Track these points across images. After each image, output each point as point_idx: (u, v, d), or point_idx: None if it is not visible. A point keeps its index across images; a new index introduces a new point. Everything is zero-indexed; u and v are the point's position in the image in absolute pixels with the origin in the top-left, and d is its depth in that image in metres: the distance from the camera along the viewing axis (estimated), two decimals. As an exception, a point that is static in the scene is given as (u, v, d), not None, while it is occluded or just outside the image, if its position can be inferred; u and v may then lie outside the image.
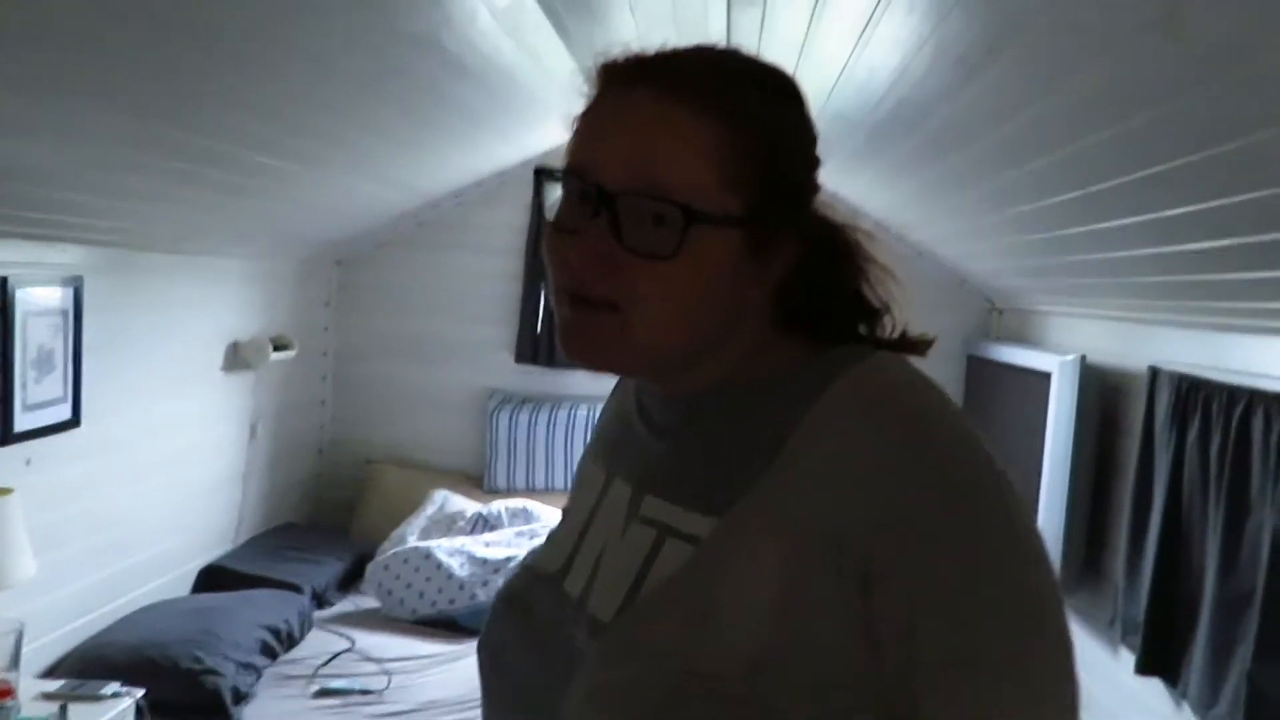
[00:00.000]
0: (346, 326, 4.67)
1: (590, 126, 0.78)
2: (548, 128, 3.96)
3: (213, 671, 2.76)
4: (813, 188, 0.84)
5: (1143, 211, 2.00)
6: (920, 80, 2.09)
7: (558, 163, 4.79)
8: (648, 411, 0.87)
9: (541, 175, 4.38)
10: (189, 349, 3.49)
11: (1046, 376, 3.16)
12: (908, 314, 0.88)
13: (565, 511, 0.94)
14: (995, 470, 0.73)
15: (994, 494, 0.72)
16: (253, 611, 3.16)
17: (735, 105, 0.75)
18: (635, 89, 0.76)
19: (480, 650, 0.87)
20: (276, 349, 3.88)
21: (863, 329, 0.87)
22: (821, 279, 0.84)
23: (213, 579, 3.56)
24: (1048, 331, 3.73)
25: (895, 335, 0.86)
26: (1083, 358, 2.98)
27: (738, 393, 0.80)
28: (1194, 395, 2.43)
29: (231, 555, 3.74)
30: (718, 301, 0.77)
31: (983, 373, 4.02)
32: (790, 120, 0.81)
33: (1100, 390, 3.03)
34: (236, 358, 3.77)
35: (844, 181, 3.94)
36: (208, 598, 3.33)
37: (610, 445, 0.92)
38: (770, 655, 0.69)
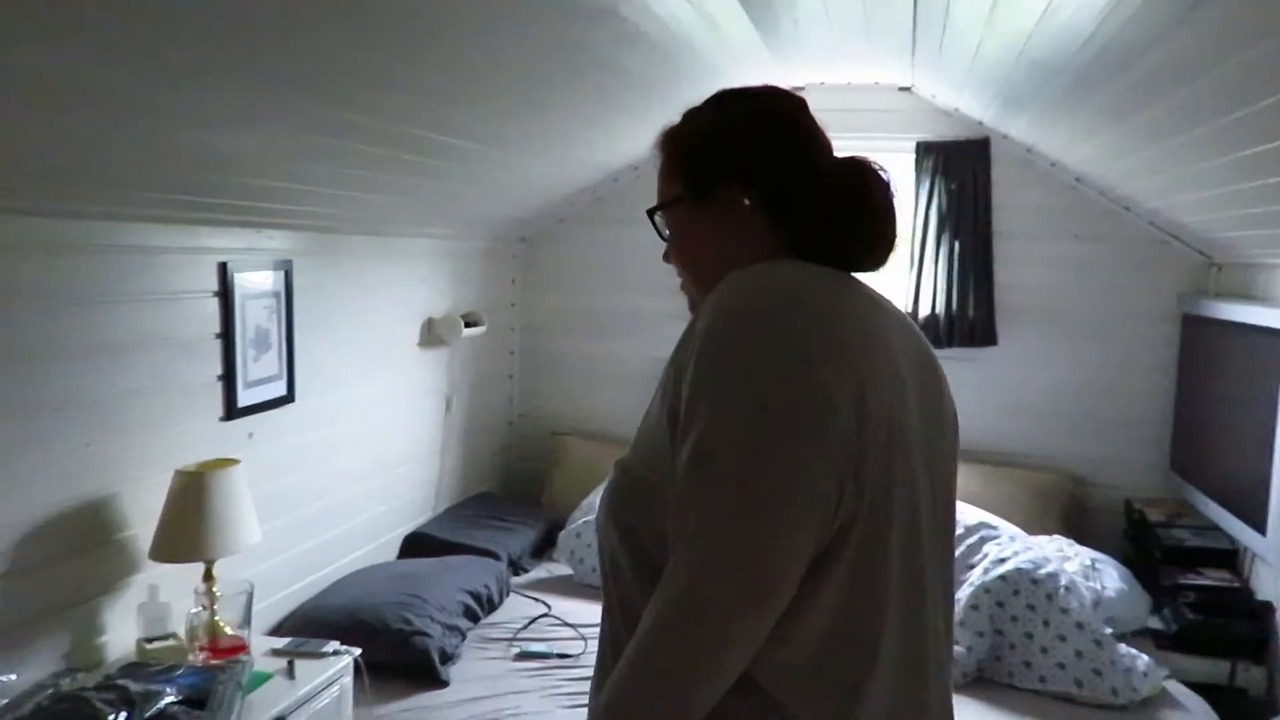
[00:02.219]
0: (531, 302, 4.78)
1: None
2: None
3: (421, 633, 2.90)
4: (732, 159, 1.18)
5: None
6: (1133, 16, 1.93)
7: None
8: None
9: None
10: (388, 327, 3.66)
11: (1277, 334, 2.89)
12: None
13: None
14: (750, 319, 1.02)
15: (733, 332, 1.01)
16: (455, 576, 3.30)
17: (670, 136, 1.24)
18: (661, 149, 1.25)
19: None
20: (467, 325, 4.01)
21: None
22: (778, 216, 1.18)
23: (415, 545, 3.74)
24: (1275, 285, 3.41)
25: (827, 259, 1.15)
26: (1322, 313, 2.71)
27: None
28: None
29: (432, 523, 3.92)
30: (712, 252, 1.19)
31: (1202, 333, 3.72)
32: (696, 124, 1.23)
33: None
34: (431, 334, 3.93)
35: (1041, 135, 3.72)
36: (412, 563, 3.50)
37: None
38: (648, 451, 1.07)
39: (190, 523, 2.35)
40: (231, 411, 2.76)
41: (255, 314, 2.85)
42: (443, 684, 2.85)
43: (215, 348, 2.72)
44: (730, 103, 1.22)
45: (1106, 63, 2.31)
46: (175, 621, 2.45)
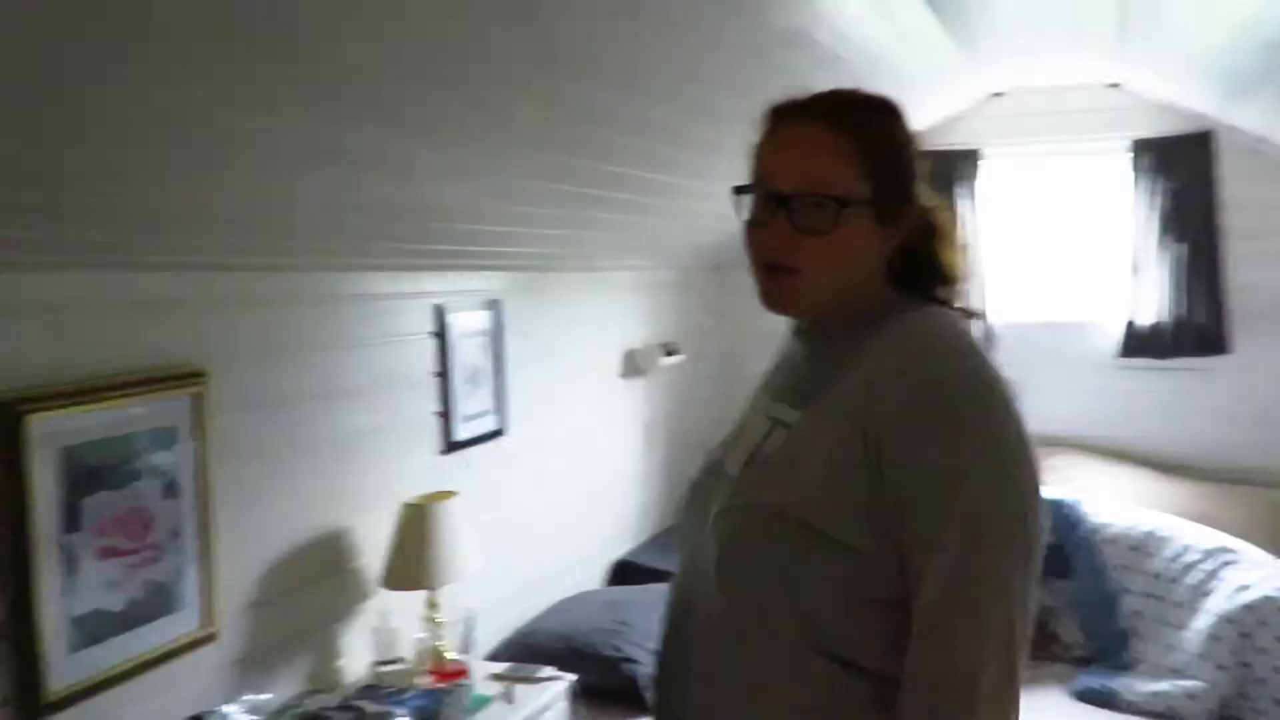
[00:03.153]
0: (729, 329, 4.79)
1: (768, 151, 1.16)
2: (913, 106, 3.82)
3: (631, 660, 2.93)
4: (915, 178, 1.17)
5: None
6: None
7: (933, 142, 4.59)
8: (799, 345, 1.25)
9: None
10: (591, 359, 3.76)
11: None
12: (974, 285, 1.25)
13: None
14: (983, 385, 1.07)
15: (975, 398, 1.05)
16: (661, 603, 3.31)
17: (860, 123, 1.12)
18: (795, 122, 1.14)
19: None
20: (667, 354, 4.06)
21: (941, 292, 1.20)
22: (915, 250, 1.18)
23: (623, 573, 3.80)
24: None
25: (955, 303, 1.19)
26: None
27: (848, 328, 1.16)
28: None
29: (638, 550, 3.97)
30: (855, 262, 1.14)
31: None
32: (896, 131, 1.16)
33: None
34: (631, 365, 4.00)
35: (1274, 123, 3.42)
36: (620, 590, 3.55)
37: (768, 374, 1.30)
38: (817, 495, 1.07)
39: (416, 552, 2.48)
40: (449, 445, 2.90)
41: (468, 352, 2.99)
42: (649, 710, 2.87)
43: (433, 385, 2.87)
44: (907, 121, 1.18)
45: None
46: (404, 646, 2.58)
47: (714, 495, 1.18)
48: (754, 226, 1.16)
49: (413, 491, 2.66)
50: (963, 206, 4.14)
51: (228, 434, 2.21)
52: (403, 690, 2.33)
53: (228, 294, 2.23)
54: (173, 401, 2.09)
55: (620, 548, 3.97)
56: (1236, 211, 3.86)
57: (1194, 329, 3.88)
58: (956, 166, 4.13)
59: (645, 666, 2.94)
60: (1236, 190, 3.85)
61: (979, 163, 4.12)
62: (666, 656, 1.26)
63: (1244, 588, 3.00)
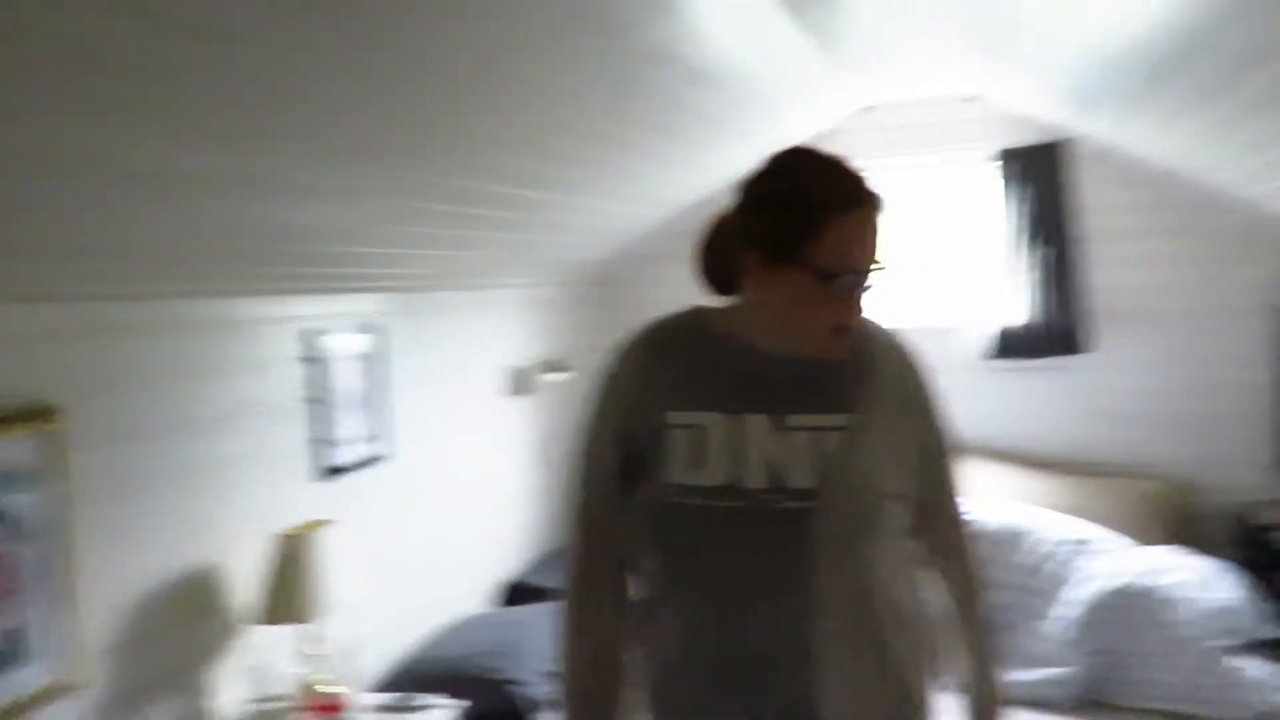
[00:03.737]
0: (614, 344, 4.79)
1: (858, 235, 1.36)
2: (789, 122, 3.89)
3: (513, 681, 2.90)
4: None
5: None
6: None
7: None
8: (772, 370, 1.42)
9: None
10: (477, 379, 3.71)
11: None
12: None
13: (682, 448, 1.41)
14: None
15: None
16: (552, 623, 3.29)
17: (882, 203, 1.40)
18: (856, 211, 1.36)
19: (675, 541, 1.42)
20: (554, 371, 4.04)
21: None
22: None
23: (516, 594, 3.75)
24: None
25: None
26: None
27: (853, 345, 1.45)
28: None
29: (531, 571, 3.93)
30: None
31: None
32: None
33: None
34: (519, 383, 3.97)
35: (1123, 131, 3.60)
36: (510, 612, 3.51)
37: (713, 398, 1.43)
38: (908, 471, 1.44)
39: (291, 584, 2.41)
40: (327, 472, 2.83)
41: (346, 376, 2.92)
42: (540, 731, 2.85)
43: (304, 412, 2.79)
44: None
45: (1183, 49, 2.22)
46: (281, 682, 2.49)
47: (760, 511, 1.36)
48: (839, 301, 1.37)
49: (287, 522, 2.58)
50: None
51: (88, 471, 2.11)
52: (279, 728, 2.25)
53: (81, 326, 2.13)
54: (24, 441, 1.99)
55: (511, 568, 3.93)
56: (1093, 216, 4.04)
57: (1058, 330, 4.05)
58: (831, 178, 4.22)
59: (529, 688, 2.91)
60: (1093, 196, 4.04)
61: (852, 174, 4.22)
62: (731, 661, 1.39)
63: (1101, 575, 3.12)
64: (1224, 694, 2.71)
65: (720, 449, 1.38)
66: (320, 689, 2.46)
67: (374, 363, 3.06)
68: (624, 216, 3.96)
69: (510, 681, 2.90)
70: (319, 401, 2.81)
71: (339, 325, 2.93)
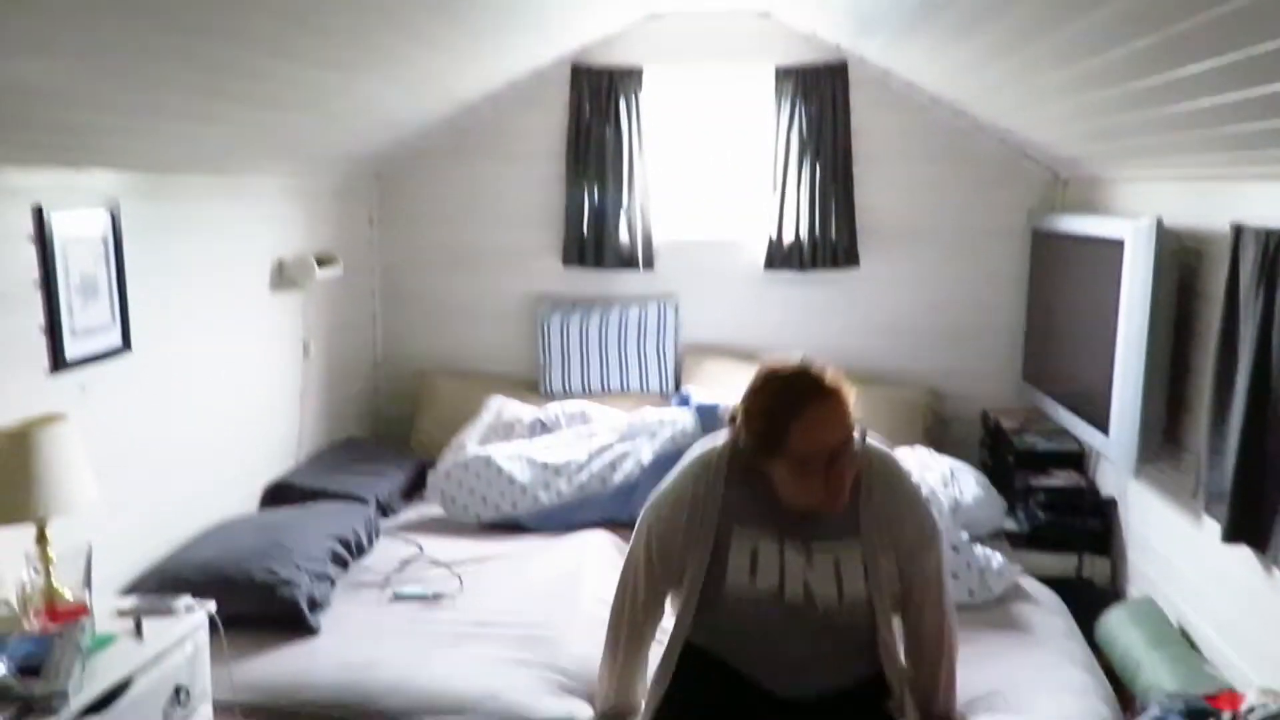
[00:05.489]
0: (391, 240, 4.62)
1: (819, 424, 1.83)
2: (583, 22, 3.80)
3: (287, 582, 2.80)
4: None
5: (1226, 51, 1.83)
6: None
7: (593, 60, 4.62)
8: (788, 509, 1.92)
9: (580, 73, 4.22)
10: (235, 271, 3.47)
11: (1119, 244, 3.00)
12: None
13: (729, 557, 1.97)
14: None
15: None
16: (320, 523, 3.19)
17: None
18: (831, 399, 1.85)
19: (738, 624, 1.99)
20: (321, 265, 3.84)
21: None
22: None
23: (278, 496, 3.60)
24: (1118, 198, 3.54)
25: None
26: (1159, 221, 2.82)
27: None
28: (1282, 251, 2.27)
29: (295, 472, 3.78)
30: None
31: (1049, 248, 3.84)
32: None
33: (1177, 254, 2.87)
34: (283, 277, 3.75)
35: (896, 57, 3.74)
36: (275, 513, 3.37)
37: (760, 524, 1.96)
38: (891, 568, 1.99)
39: (16, 482, 2.18)
40: (59, 364, 2.57)
41: (80, 260, 2.65)
42: (313, 631, 2.77)
43: (36, 297, 2.52)
44: None
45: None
46: (6, 588, 2.28)
47: (801, 613, 1.94)
48: (820, 472, 1.83)
49: (14, 416, 2.33)
50: (626, 123, 4.22)
51: None
52: (2, 638, 2.06)
53: None
54: None
55: (277, 470, 3.76)
56: (864, 138, 4.22)
57: (829, 244, 4.23)
58: (619, 84, 4.18)
59: (304, 588, 2.82)
60: (866, 118, 4.21)
61: (641, 80, 4.20)
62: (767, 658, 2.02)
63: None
64: (963, 582, 2.97)
65: (769, 566, 1.94)
66: (54, 595, 2.27)
67: (114, 247, 2.79)
68: (403, 106, 3.77)
69: (280, 581, 2.79)
70: (49, 286, 2.54)
71: (74, 203, 2.63)
